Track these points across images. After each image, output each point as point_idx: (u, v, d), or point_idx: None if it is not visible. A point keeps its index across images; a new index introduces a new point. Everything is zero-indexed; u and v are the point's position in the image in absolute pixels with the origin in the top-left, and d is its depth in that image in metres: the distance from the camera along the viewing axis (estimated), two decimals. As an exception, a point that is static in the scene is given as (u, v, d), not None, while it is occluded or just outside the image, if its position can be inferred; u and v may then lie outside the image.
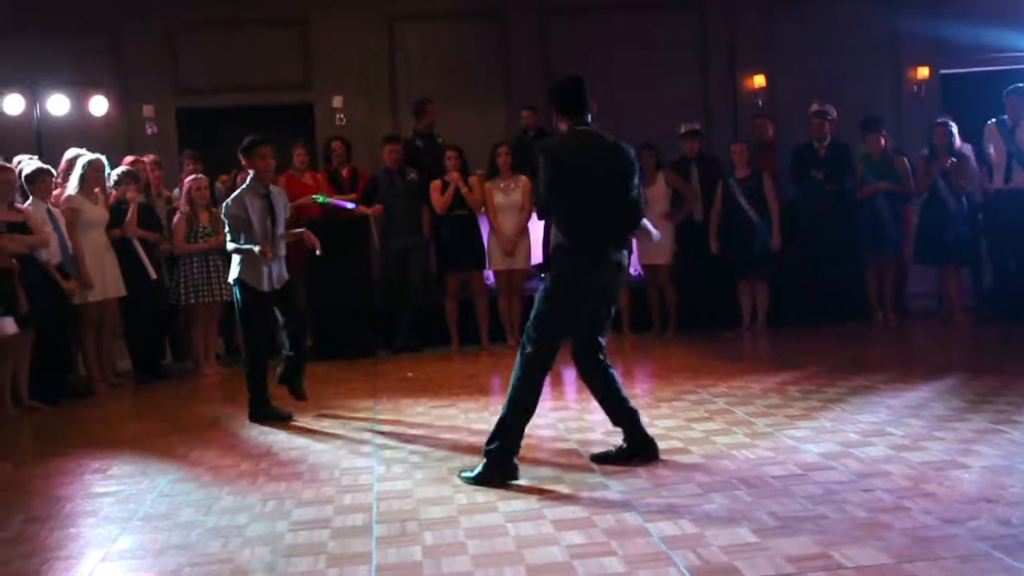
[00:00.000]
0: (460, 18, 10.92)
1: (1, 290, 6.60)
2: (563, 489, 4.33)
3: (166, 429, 6.14)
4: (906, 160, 8.86)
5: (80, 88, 9.83)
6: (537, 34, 10.76)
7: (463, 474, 4.58)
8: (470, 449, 5.12)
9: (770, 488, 4.17)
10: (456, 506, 4.18)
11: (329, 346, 8.52)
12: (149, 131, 10.49)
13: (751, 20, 10.95)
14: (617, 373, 4.84)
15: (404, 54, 10.83)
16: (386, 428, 5.80)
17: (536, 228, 8.44)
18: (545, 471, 4.64)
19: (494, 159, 8.59)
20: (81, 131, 9.99)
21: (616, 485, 4.34)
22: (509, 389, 4.59)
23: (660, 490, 4.24)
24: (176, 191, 8.66)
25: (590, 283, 4.56)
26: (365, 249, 8.80)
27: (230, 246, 6.16)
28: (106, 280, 7.53)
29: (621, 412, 4.76)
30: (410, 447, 5.30)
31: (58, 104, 9.57)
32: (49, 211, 7.21)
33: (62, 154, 8.03)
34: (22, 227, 6.91)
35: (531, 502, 4.16)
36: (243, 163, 6.27)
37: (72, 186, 7.53)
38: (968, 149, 8.90)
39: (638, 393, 6.57)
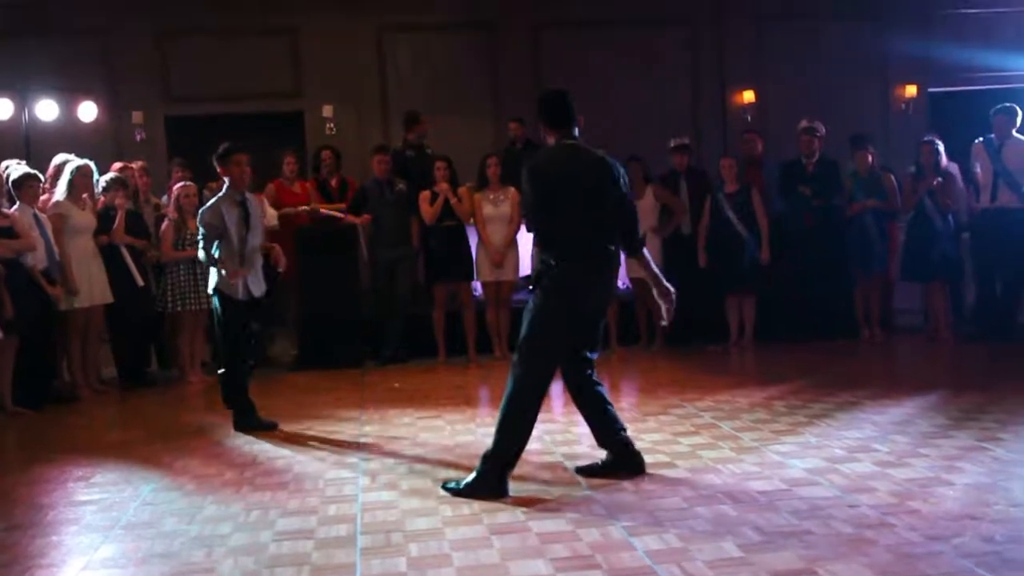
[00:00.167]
0: (451, 29, 10.94)
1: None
2: (548, 502, 4.32)
3: (150, 437, 6.11)
4: (893, 177, 8.91)
5: (69, 94, 9.80)
6: (527, 47, 10.80)
7: (448, 485, 4.56)
8: (456, 460, 5.11)
9: (755, 503, 4.18)
10: (441, 518, 4.16)
11: (316, 356, 8.51)
12: (138, 138, 10.47)
13: (741, 36, 11.03)
14: (605, 388, 4.84)
15: (394, 65, 10.85)
16: (372, 439, 5.79)
17: (525, 240, 8.44)
18: (531, 484, 4.62)
19: (483, 170, 8.60)
20: (70, 137, 9.96)
21: (602, 498, 4.34)
22: (500, 411, 4.52)
23: (645, 504, 4.24)
24: (164, 198, 8.64)
25: (580, 298, 4.55)
26: (353, 259, 8.78)
27: (201, 255, 6.16)
28: (92, 287, 7.50)
29: (606, 432, 4.74)
30: (396, 458, 5.28)
31: (47, 110, 9.55)
32: (36, 216, 7.19)
33: (50, 160, 8.01)
34: (8, 232, 6.88)
35: (516, 515, 4.16)
36: (218, 170, 6.24)
37: (60, 192, 7.51)
38: (955, 168, 8.95)
39: (624, 407, 6.56)
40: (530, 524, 4.01)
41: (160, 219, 8.25)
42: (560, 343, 4.58)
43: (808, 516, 3.96)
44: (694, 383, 7.12)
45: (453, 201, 8.53)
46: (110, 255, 7.69)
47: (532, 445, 5.24)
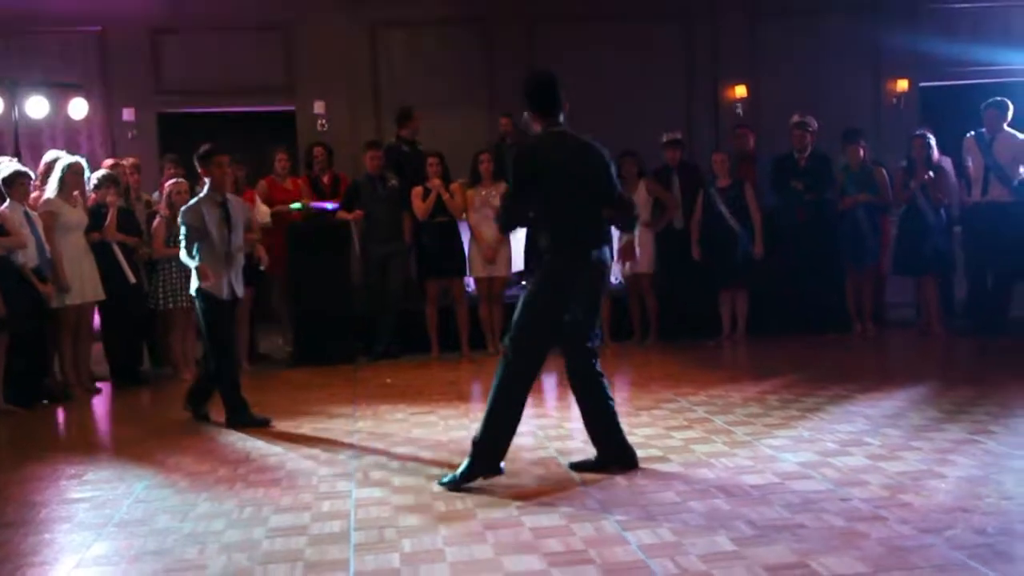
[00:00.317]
0: (444, 25, 10.92)
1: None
2: (542, 497, 4.32)
3: (143, 434, 6.10)
4: (884, 171, 8.92)
5: (60, 90, 9.77)
6: (521, 42, 10.78)
7: (443, 480, 4.57)
8: (449, 456, 5.12)
9: (748, 497, 4.19)
10: (434, 513, 4.17)
11: (309, 352, 8.50)
12: (130, 135, 10.45)
13: (734, 31, 11.03)
14: (608, 383, 4.81)
15: (387, 60, 10.83)
16: (365, 435, 5.78)
17: (517, 236, 8.44)
18: (524, 479, 4.63)
19: (476, 166, 8.59)
20: (61, 133, 9.95)
21: (595, 493, 4.34)
22: (490, 397, 4.57)
23: (639, 498, 4.25)
24: (156, 195, 8.62)
25: (574, 284, 4.56)
26: (346, 255, 8.78)
27: (183, 255, 6.19)
28: (84, 284, 7.48)
29: (599, 428, 4.74)
30: (389, 454, 5.28)
31: (37, 106, 9.51)
32: (27, 214, 7.16)
33: (41, 157, 7.99)
34: (-1, 230, 6.87)
35: (510, 510, 4.16)
36: (200, 171, 6.26)
37: (51, 189, 7.48)
38: (948, 163, 8.97)
39: (618, 401, 6.54)
40: (523, 519, 4.02)
41: (152, 216, 8.23)
42: (552, 330, 4.59)
43: (801, 510, 3.97)
44: (687, 377, 7.14)
45: (445, 197, 8.52)
46: (102, 252, 7.66)
47: (525, 440, 5.27)
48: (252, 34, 10.67)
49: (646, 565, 3.46)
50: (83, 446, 6.02)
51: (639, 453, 4.85)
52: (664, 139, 9.12)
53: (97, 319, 8.03)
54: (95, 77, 10.45)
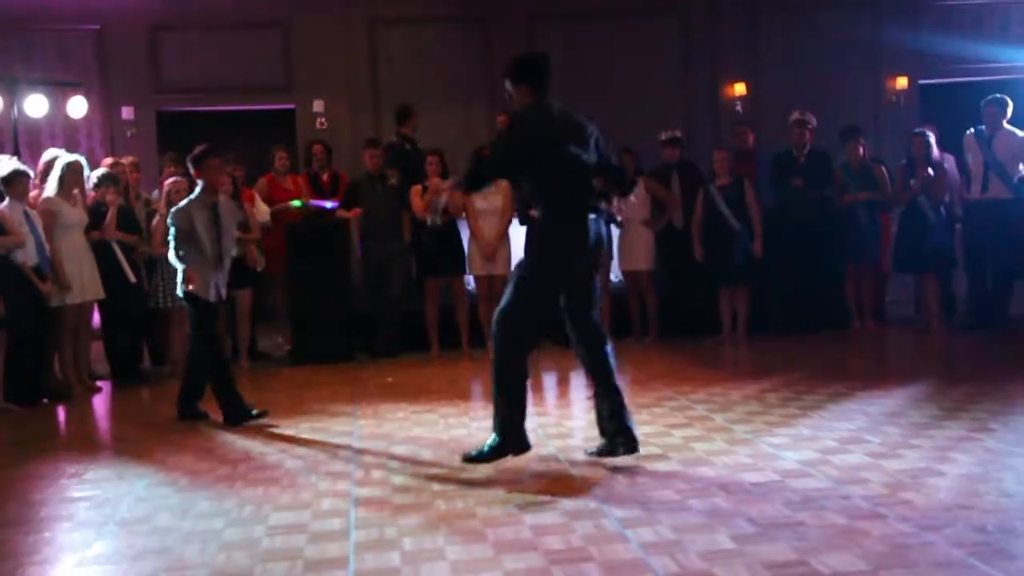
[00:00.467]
0: (443, 22, 10.93)
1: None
2: (542, 495, 4.32)
3: (143, 433, 6.10)
4: (884, 169, 8.92)
5: (59, 89, 9.77)
6: (520, 40, 10.76)
7: (470, 454, 4.63)
8: (449, 454, 5.11)
9: (748, 495, 4.19)
10: (435, 511, 4.16)
11: (309, 350, 8.50)
12: (129, 133, 10.45)
13: (734, 29, 11.04)
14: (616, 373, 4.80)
15: (387, 58, 10.83)
16: (365, 433, 5.78)
17: (517, 233, 8.44)
18: (524, 477, 4.63)
19: (475, 164, 8.57)
20: (60, 132, 9.95)
21: (595, 491, 4.34)
22: (493, 380, 4.61)
23: (639, 496, 4.25)
24: (155, 193, 8.62)
25: (567, 256, 4.59)
26: (346, 253, 8.78)
27: (171, 255, 6.21)
28: (84, 283, 7.47)
29: (611, 418, 4.74)
30: (389, 452, 5.28)
31: (37, 104, 9.52)
32: (26, 213, 7.16)
33: (40, 155, 7.99)
34: (-2, 228, 6.87)
35: (510, 508, 4.16)
36: (193, 173, 6.29)
37: (50, 188, 7.48)
38: (951, 160, 8.97)
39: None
40: (523, 517, 4.02)
41: (151, 215, 8.23)
42: (548, 303, 4.64)
43: (801, 507, 3.97)
44: (687, 375, 7.14)
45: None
46: (102, 251, 7.66)
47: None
48: (251, 32, 10.67)
49: (646, 563, 3.46)
50: (83, 444, 6.02)
51: (639, 451, 4.85)
52: (663, 137, 9.11)
53: (97, 317, 8.03)
54: (94, 75, 10.45)
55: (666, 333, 8.83)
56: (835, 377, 6.78)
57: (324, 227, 8.72)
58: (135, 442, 5.83)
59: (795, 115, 9.04)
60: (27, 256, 7.05)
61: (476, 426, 5.75)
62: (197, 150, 6.19)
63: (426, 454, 5.18)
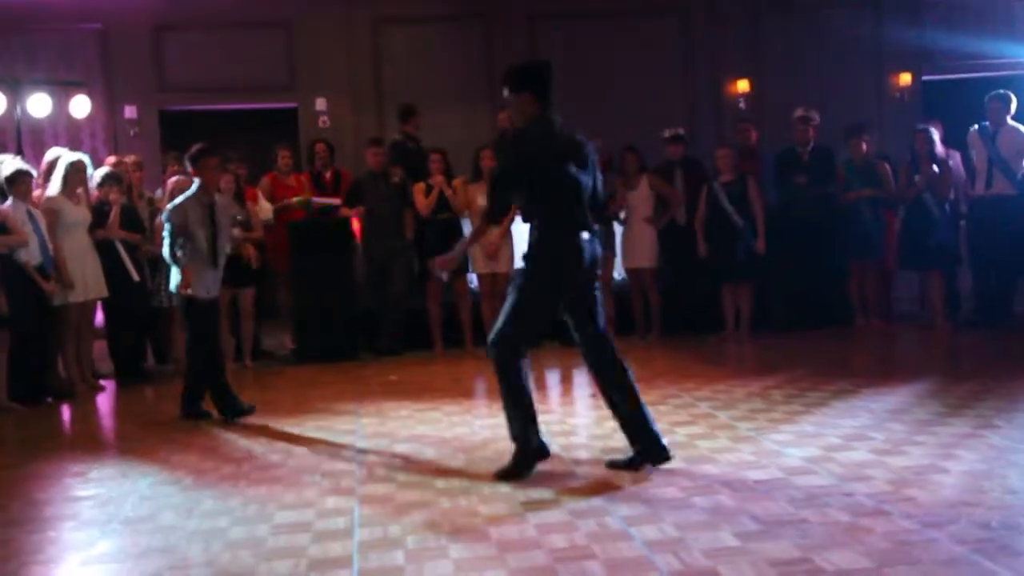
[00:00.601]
0: (445, 21, 10.93)
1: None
2: (546, 492, 4.32)
3: (147, 431, 6.10)
4: (888, 166, 8.90)
5: (63, 88, 9.78)
6: (522, 39, 10.78)
7: (500, 473, 4.56)
8: (452, 452, 5.12)
9: (752, 492, 4.18)
10: (438, 510, 4.16)
11: (312, 349, 8.50)
12: (132, 132, 10.46)
13: (737, 26, 11.02)
14: (632, 374, 4.75)
15: (389, 57, 10.83)
16: (369, 431, 5.78)
17: (520, 232, 8.43)
18: (527, 475, 4.62)
19: (478, 162, 8.58)
20: (63, 131, 9.96)
21: (598, 489, 4.34)
22: (502, 398, 4.58)
23: (643, 494, 4.24)
24: (159, 192, 8.62)
25: (568, 272, 4.56)
26: (349, 252, 8.78)
27: (165, 252, 6.23)
28: (87, 281, 7.48)
29: (633, 423, 4.65)
30: (393, 451, 5.28)
31: (40, 104, 9.54)
32: (30, 212, 7.17)
33: (43, 154, 8.00)
34: (1, 228, 6.87)
35: (513, 506, 4.16)
36: (190, 171, 6.33)
37: (54, 187, 7.49)
38: (956, 157, 8.95)
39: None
40: (527, 515, 4.01)
41: (155, 213, 8.23)
42: (546, 316, 4.62)
43: (805, 505, 3.97)
44: (691, 372, 7.13)
45: (448, 193, 8.53)
46: (105, 250, 7.67)
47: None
48: (254, 31, 10.68)
49: (650, 561, 3.45)
50: (87, 443, 6.03)
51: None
52: (666, 135, 9.10)
53: (101, 316, 8.05)
54: (97, 75, 10.46)
55: (669, 330, 8.83)
56: (839, 374, 6.77)
57: (327, 225, 8.72)
58: (139, 441, 5.84)
59: (798, 112, 9.02)
60: (30, 255, 7.06)
61: (479, 424, 5.76)
62: (194, 149, 6.24)
63: (429, 452, 5.18)
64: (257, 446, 5.54)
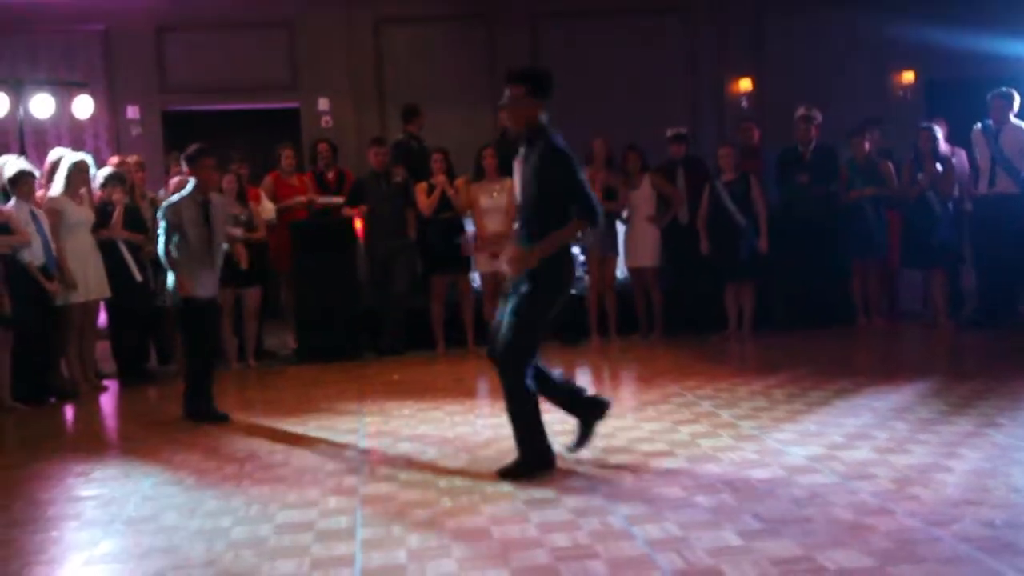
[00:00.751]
0: (447, 20, 10.94)
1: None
2: (548, 492, 4.32)
3: (149, 432, 6.11)
4: (890, 164, 8.88)
5: (65, 89, 9.79)
6: (524, 38, 10.78)
7: (502, 471, 4.58)
8: (455, 451, 5.12)
9: (755, 491, 4.18)
10: (441, 509, 4.16)
11: (315, 348, 8.50)
12: (134, 133, 10.47)
13: (739, 25, 11.02)
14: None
15: (390, 56, 10.83)
16: (372, 431, 5.79)
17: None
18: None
19: (480, 161, 8.58)
20: (66, 132, 9.97)
21: (601, 488, 4.34)
22: (507, 407, 4.59)
23: (645, 493, 4.24)
24: (161, 192, 8.63)
25: (568, 284, 4.68)
26: (351, 251, 8.78)
27: (159, 249, 6.26)
28: (89, 281, 7.49)
29: (568, 396, 4.79)
30: (395, 450, 5.28)
31: (43, 104, 9.55)
32: (33, 213, 7.18)
33: (46, 154, 8.01)
34: (4, 228, 6.88)
35: (516, 505, 4.16)
36: (187, 170, 6.39)
37: (57, 187, 7.49)
38: (961, 155, 8.93)
39: (623, 396, 6.58)
40: (530, 514, 4.01)
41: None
42: (544, 329, 4.67)
43: (808, 503, 3.96)
44: (693, 371, 7.12)
45: (450, 193, 8.53)
46: (108, 250, 7.68)
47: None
48: (256, 31, 10.69)
49: (653, 560, 3.45)
50: (90, 443, 6.03)
51: (645, 448, 4.86)
52: (669, 134, 9.09)
53: (104, 317, 8.05)
54: (100, 75, 10.47)
55: (672, 329, 8.82)
56: (841, 373, 6.76)
57: (329, 225, 8.73)
58: (141, 441, 5.85)
59: (800, 111, 9.01)
60: (33, 255, 7.07)
61: (482, 423, 5.76)
62: (191, 149, 6.29)
63: (432, 452, 5.18)
64: (259, 446, 5.54)
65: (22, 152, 8.69)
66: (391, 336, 8.70)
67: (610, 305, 8.78)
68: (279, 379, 7.92)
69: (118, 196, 7.77)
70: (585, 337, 8.77)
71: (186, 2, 10.46)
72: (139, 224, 8.02)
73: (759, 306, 8.79)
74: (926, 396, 5.98)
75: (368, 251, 8.87)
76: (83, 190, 7.62)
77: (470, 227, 8.69)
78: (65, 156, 7.67)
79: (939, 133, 8.65)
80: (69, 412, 7.09)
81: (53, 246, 7.23)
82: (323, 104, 10.73)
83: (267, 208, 8.61)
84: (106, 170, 8.00)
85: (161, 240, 6.22)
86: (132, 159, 8.61)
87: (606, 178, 8.63)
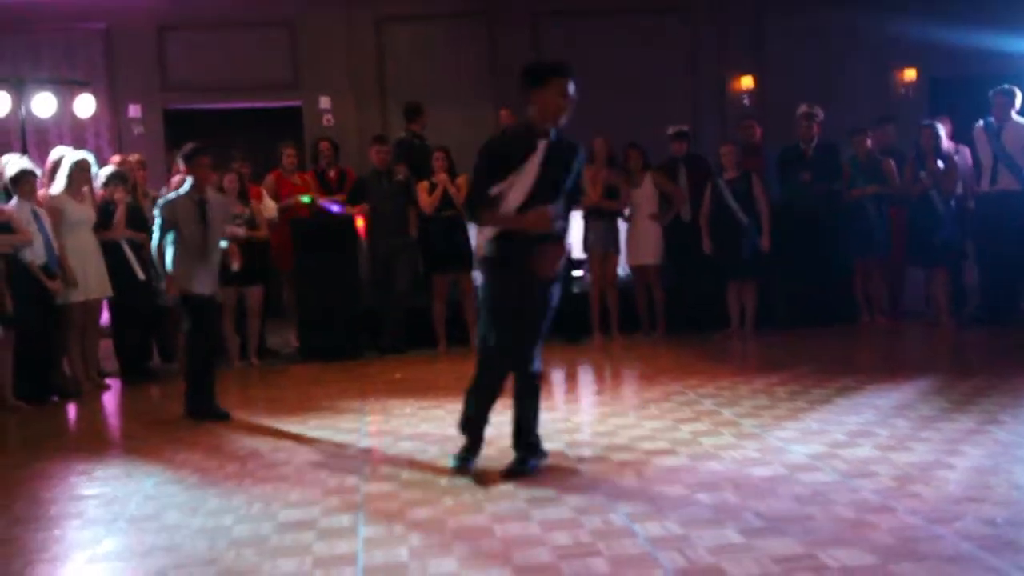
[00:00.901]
0: (449, 19, 10.93)
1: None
2: (549, 490, 4.32)
3: (152, 430, 6.11)
4: (892, 162, 8.87)
5: (67, 87, 9.80)
6: (525, 36, 10.77)
7: (453, 463, 4.65)
8: (456, 450, 5.10)
9: (756, 489, 4.18)
10: (443, 507, 4.17)
11: (317, 347, 8.51)
12: (136, 131, 10.48)
13: (741, 23, 11.01)
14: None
15: (392, 55, 10.83)
16: (373, 429, 5.79)
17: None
18: (532, 472, 4.62)
19: (481, 160, 8.56)
20: (68, 131, 9.97)
21: (603, 486, 4.34)
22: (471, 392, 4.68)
23: (647, 491, 4.24)
24: (163, 191, 8.62)
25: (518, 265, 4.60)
26: (353, 250, 8.78)
27: (153, 245, 6.29)
28: (90, 280, 7.49)
29: (517, 425, 4.73)
30: (397, 448, 5.28)
31: (44, 103, 9.55)
32: (34, 211, 7.18)
33: (47, 153, 8.01)
34: (6, 228, 6.88)
35: (518, 503, 4.16)
36: (183, 169, 6.43)
37: (58, 186, 7.50)
38: (965, 153, 8.92)
39: (626, 394, 6.59)
40: (531, 512, 4.02)
41: (159, 213, 8.24)
42: (509, 316, 4.66)
43: (809, 501, 3.96)
44: (695, 369, 7.12)
45: (452, 191, 8.52)
46: (111, 249, 7.68)
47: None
48: (258, 30, 10.69)
49: (654, 558, 3.45)
50: (92, 442, 6.03)
51: (647, 446, 4.86)
52: (670, 131, 9.09)
53: (107, 315, 8.05)
54: (101, 74, 10.48)
55: (674, 327, 8.82)
56: (843, 371, 6.76)
57: (331, 223, 8.72)
58: (144, 439, 5.85)
59: (802, 108, 9.00)
60: (35, 254, 7.07)
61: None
62: (188, 148, 6.32)
63: (433, 450, 5.18)
64: (261, 444, 5.54)
65: (24, 151, 8.69)
66: (392, 335, 8.71)
67: (612, 303, 8.78)
68: (281, 378, 7.93)
69: (120, 195, 7.77)
70: (587, 335, 8.78)
71: (188, 1, 10.46)
72: (141, 223, 8.02)
73: (761, 304, 8.79)
74: (928, 393, 5.98)
75: (370, 249, 8.87)
76: (84, 189, 7.62)
77: (471, 225, 8.69)
78: (67, 155, 7.67)
79: (941, 131, 8.63)
80: (71, 411, 7.09)
81: (55, 245, 7.23)
82: (324, 102, 10.74)
83: (269, 207, 8.61)
84: (108, 169, 8.00)
85: (155, 236, 6.24)
86: (134, 158, 8.61)
87: (608, 176, 8.64)
